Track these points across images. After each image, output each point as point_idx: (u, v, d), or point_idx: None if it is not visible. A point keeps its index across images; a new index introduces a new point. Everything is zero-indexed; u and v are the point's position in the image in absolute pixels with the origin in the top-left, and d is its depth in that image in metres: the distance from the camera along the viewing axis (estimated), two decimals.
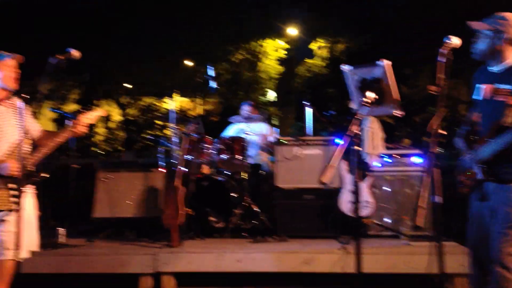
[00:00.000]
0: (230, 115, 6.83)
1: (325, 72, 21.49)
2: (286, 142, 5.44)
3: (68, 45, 3.45)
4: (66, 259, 4.65)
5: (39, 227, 3.58)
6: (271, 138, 6.04)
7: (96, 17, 18.81)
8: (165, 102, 24.41)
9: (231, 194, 5.57)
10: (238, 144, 5.80)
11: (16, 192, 3.30)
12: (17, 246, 3.26)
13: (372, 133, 5.40)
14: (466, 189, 3.16)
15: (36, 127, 3.66)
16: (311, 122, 6.04)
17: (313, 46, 21.96)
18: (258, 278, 4.66)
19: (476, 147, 3.06)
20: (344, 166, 5.08)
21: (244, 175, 5.88)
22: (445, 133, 2.80)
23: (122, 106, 24.26)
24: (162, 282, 4.61)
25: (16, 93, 3.13)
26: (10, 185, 3.30)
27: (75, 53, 3.35)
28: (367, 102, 2.94)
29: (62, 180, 5.42)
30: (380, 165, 5.41)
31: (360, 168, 4.87)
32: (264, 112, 6.93)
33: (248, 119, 6.30)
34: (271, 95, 23.91)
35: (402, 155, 5.43)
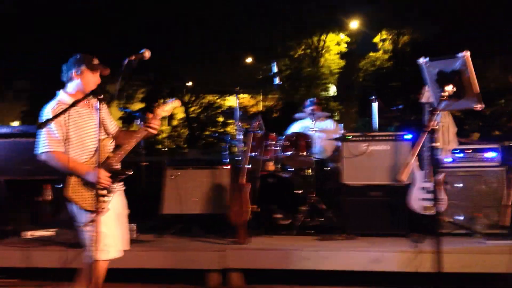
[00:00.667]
0: (291, 111, 6.77)
1: (388, 65, 21.00)
2: (353, 138, 5.33)
3: (134, 46, 3.51)
4: (136, 254, 4.75)
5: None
6: (337, 135, 5.94)
7: (159, 18, 19.21)
8: (226, 99, 24.67)
9: (296, 191, 5.52)
10: (303, 141, 5.74)
11: (106, 192, 3.41)
12: (108, 247, 3.37)
13: (444, 128, 5.19)
14: None
15: (113, 126, 3.74)
16: (377, 117, 5.88)
17: (376, 39, 21.49)
18: (326, 277, 4.60)
19: None
20: (414, 162, 4.92)
21: (309, 172, 5.81)
22: None
23: (185, 104, 24.70)
24: (230, 279, 4.63)
25: (92, 94, 3.21)
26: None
27: (147, 53, 3.41)
28: (445, 96, 2.81)
29: (132, 177, 5.54)
30: (451, 160, 5.21)
31: (432, 164, 4.69)
32: (328, 109, 6.82)
33: (313, 116, 6.22)
34: (333, 90, 23.64)
35: (475, 150, 5.20)
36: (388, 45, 21.61)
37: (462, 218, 5.00)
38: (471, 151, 5.21)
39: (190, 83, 23.16)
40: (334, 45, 22.38)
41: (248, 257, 4.64)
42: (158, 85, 22.26)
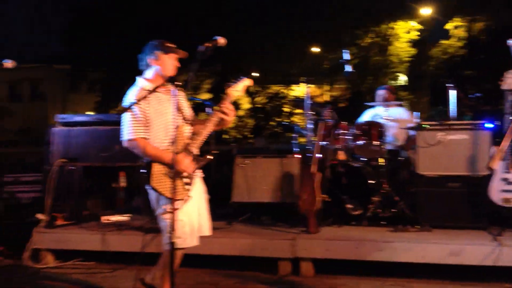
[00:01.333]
0: (358, 100, 6.62)
1: (461, 53, 20.15)
2: (429, 127, 5.13)
3: (201, 38, 3.51)
4: (208, 241, 4.75)
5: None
6: (411, 124, 5.75)
7: (225, 10, 19.42)
8: (292, 89, 24.60)
9: (368, 181, 5.40)
10: (375, 130, 5.59)
11: (189, 180, 3.46)
12: (185, 235, 3.42)
13: None
14: None
15: (189, 113, 3.77)
16: (455, 105, 5.63)
17: (449, 26, 20.64)
18: (398, 269, 4.47)
19: None
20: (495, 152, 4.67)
21: (382, 161, 5.67)
22: None
23: (250, 94, 24.87)
24: (301, 268, 4.60)
25: (170, 80, 3.23)
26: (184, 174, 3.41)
27: (222, 41, 3.39)
28: None
29: (204, 166, 5.62)
30: None
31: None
32: (397, 98, 6.59)
33: (385, 104, 6.04)
34: (402, 79, 23.01)
35: None
36: (461, 32, 20.73)
37: None
38: None
39: (257, 74, 23.26)
40: (404, 32, 21.71)
41: (319, 247, 4.59)
42: (225, 75, 22.51)
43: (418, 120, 5.40)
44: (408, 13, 20.86)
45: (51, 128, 6.01)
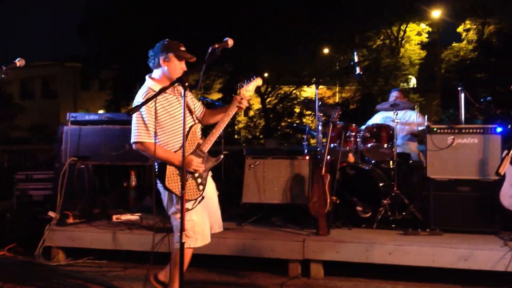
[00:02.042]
0: (369, 102, 6.62)
1: (473, 56, 20.04)
2: (439, 130, 5.11)
3: (211, 37, 3.54)
4: (217, 241, 4.82)
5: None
6: (421, 127, 5.74)
7: (234, 10, 19.43)
8: (303, 90, 24.59)
9: (378, 183, 5.40)
10: (384, 132, 5.60)
11: (201, 180, 3.49)
12: (197, 234, 3.46)
13: None
14: None
15: (199, 108, 3.79)
16: (466, 109, 5.62)
17: (460, 28, 20.55)
18: (408, 273, 4.47)
19: None
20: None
21: (391, 165, 5.67)
22: None
23: (261, 95, 24.88)
24: (310, 270, 4.61)
25: (178, 81, 3.23)
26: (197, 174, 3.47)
27: (230, 42, 3.43)
28: None
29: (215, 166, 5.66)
30: None
31: None
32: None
33: (396, 106, 6.03)
34: (412, 82, 22.93)
35: None
36: (472, 35, 20.61)
37: None
38: None
39: (266, 74, 23.29)
40: (414, 35, 21.62)
41: (329, 249, 4.59)
42: (235, 76, 22.56)
43: (428, 124, 5.38)
44: (419, 15, 20.76)
45: (63, 127, 6.06)
